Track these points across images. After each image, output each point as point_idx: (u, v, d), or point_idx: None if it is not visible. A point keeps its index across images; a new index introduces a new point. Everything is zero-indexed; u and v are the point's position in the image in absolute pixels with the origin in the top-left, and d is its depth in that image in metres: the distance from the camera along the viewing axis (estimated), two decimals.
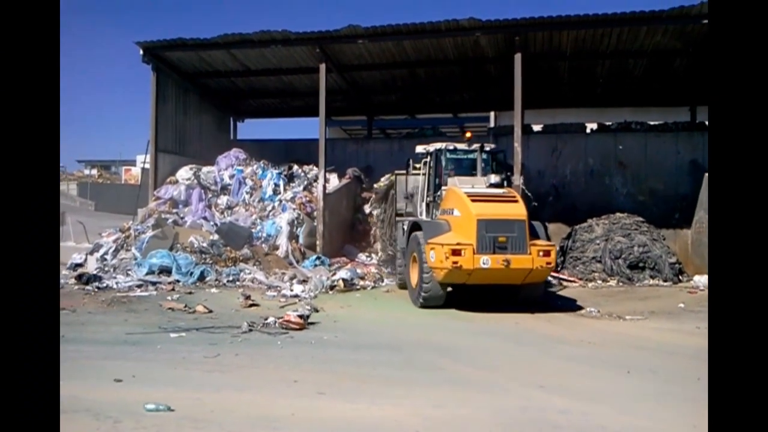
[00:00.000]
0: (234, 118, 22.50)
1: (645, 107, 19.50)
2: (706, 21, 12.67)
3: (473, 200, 9.89)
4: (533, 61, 15.50)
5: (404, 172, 13.32)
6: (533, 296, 10.43)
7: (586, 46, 15.25)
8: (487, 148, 11.58)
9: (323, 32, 14.80)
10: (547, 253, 9.66)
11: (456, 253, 9.40)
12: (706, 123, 15.81)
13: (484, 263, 9.37)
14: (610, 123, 18.42)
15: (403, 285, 11.78)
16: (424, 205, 11.68)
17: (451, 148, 11.48)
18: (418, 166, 12.32)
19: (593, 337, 8.12)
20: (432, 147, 11.67)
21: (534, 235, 10.08)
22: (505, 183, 11.22)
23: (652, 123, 18.00)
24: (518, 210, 9.93)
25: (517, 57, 14.12)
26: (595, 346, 7.62)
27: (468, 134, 12.21)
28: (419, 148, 12.11)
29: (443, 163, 11.31)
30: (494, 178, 10.72)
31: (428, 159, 11.69)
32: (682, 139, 16.73)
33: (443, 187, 11.02)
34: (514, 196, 10.44)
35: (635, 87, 18.19)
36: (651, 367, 6.49)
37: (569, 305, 10.93)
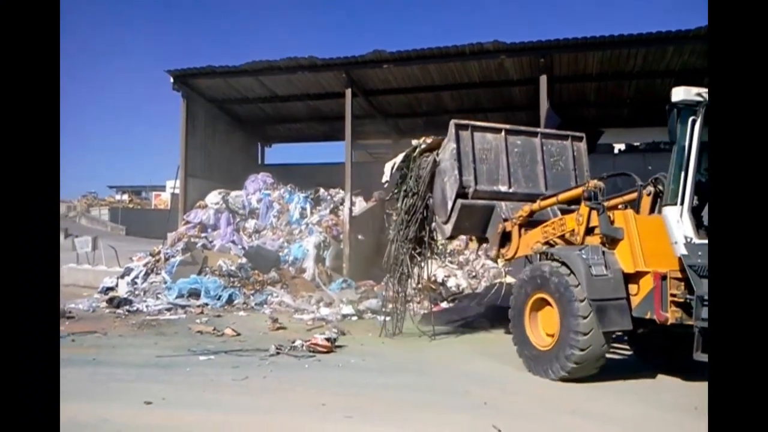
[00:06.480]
0: (261, 143, 22.87)
1: None
2: None
3: None
4: (559, 82, 15.47)
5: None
6: None
7: (612, 67, 15.16)
8: None
9: (349, 58, 15.02)
10: None
11: None
12: None
13: None
14: (638, 143, 18.24)
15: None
16: (685, 215, 6.21)
17: None
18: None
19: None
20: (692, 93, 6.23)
21: None
22: None
23: None
24: None
25: (542, 79, 14.12)
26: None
27: None
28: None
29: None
30: None
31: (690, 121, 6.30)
32: None
33: None
34: None
35: (663, 107, 17.97)
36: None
37: None
